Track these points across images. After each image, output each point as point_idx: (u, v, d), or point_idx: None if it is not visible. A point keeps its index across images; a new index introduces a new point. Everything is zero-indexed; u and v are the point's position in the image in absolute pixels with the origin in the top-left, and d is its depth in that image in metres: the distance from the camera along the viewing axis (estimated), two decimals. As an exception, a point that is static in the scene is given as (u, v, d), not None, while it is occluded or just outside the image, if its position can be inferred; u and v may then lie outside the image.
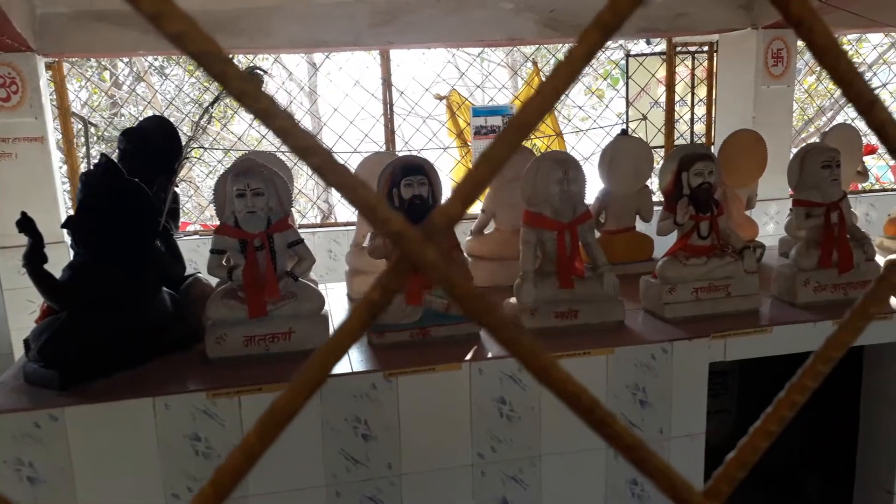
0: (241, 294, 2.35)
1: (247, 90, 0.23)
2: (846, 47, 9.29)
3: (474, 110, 5.12)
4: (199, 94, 5.82)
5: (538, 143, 5.54)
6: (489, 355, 2.46)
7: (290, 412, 0.24)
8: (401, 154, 4.88)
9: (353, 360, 2.41)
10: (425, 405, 2.38)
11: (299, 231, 2.57)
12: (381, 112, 5.04)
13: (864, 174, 3.88)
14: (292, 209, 2.86)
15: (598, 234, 3.52)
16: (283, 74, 8.34)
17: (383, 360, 2.41)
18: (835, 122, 9.65)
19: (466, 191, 0.25)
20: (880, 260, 3.23)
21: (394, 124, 4.92)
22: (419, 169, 2.50)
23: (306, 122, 8.82)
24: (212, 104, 2.48)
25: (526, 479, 2.48)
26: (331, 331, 2.57)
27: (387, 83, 4.91)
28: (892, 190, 6.30)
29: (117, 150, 2.93)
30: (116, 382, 2.29)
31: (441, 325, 2.57)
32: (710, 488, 0.28)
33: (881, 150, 7.04)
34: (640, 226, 3.64)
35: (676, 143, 5.33)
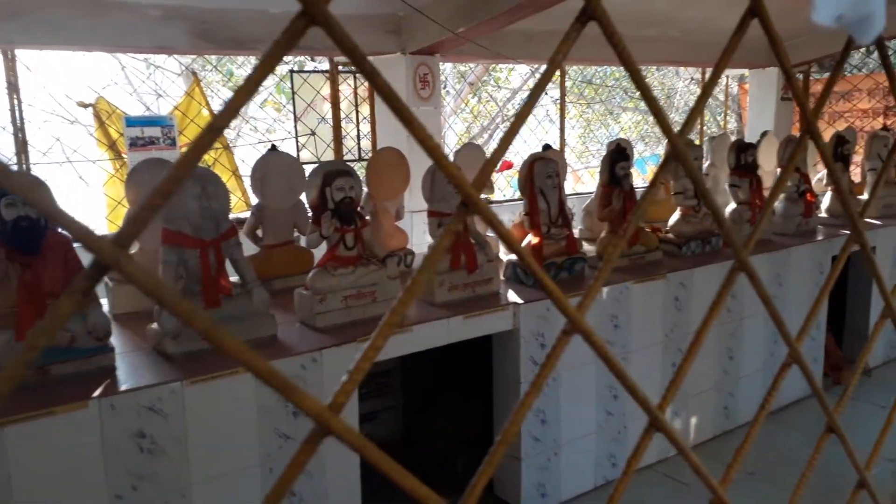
0: None
1: None
2: (497, 74, 10.70)
3: (127, 120, 4.71)
4: None
5: (206, 157, 5.31)
6: (123, 388, 2.27)
7: None
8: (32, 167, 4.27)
9: (-61, 416, 2.02)
10: (44, 453, 2.10)
11: None
12: (8, 120, 4.34)
13: (489, 187, 4.49)
14: None
15: (258, 249, 3.50)
16: None
17: (-16, 410, 2.06)
18: (492, 140, 11.02)
19: None
20: (505, 259, 3.76)
21: (25, 134, 4.28)
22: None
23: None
24: None
25: (174, 514, 2.34)
26: None
27: (13, 87, 4.25)
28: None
29: None
30: None
31: (65, 362, 2.30)
32: None
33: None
34: (304, 239, 3.69)
35: (345, 158, 5.56)
